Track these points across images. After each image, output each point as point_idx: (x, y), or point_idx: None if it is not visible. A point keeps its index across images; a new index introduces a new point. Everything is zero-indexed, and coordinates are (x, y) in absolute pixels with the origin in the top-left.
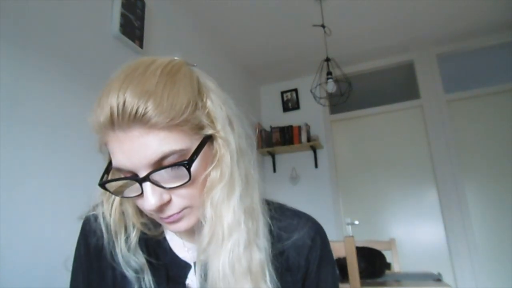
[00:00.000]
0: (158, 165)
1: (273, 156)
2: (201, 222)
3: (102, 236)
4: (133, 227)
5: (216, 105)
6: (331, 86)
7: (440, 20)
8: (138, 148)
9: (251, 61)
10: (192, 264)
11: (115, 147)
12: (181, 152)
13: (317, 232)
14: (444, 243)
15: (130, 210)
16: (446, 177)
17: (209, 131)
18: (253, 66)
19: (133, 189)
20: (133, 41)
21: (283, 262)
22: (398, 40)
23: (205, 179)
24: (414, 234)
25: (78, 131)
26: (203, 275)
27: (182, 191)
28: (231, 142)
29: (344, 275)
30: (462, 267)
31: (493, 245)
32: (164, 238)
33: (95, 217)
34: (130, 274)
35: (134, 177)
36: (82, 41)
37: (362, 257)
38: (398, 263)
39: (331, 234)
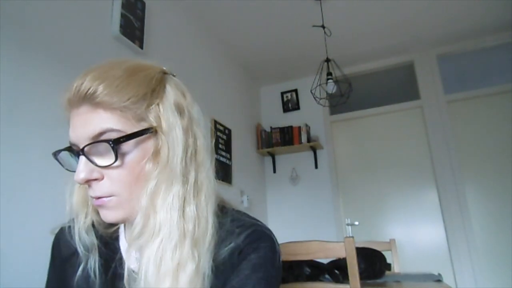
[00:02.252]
0: (94, 141)
1: (273, 156)
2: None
3: (70, 246)
4: (86, 215)
5: (170, 108)
6: (331, 87)
7: (440, 21)
8: (83, 123)
9: (251, 62)
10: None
11: (70, 123)
12: (118, 133)
13: (256, 239)
14: (444, 244)
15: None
16: (446, 177)
17: (152, 125)
18: (253, 66)
19: (73, 166)
20: (133, 41)
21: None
22: (398, 40)
23: (142, 172)
24: (414, 234)
25: None
26: (131, 270)
27: (114, 173)
28: (175, 142)
29: (344, 276)
30: (462, 268)
31: (493, 245)
32: (117, 238)
33: (61, 228)
34: (81, 251)
35: (73, 149)
36: (82, 42)
37: (362, 257)
38: (398, 263)
39: (331, 235)
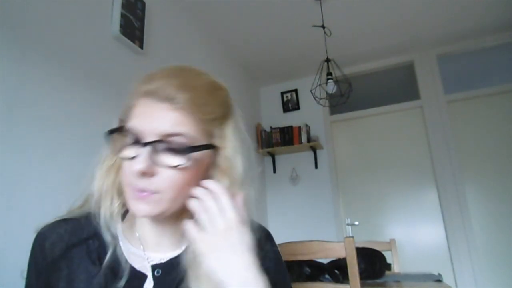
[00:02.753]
0: (164, 140)
1: (273, 156)
2: (171, 227)
3: (59, 245)
4: (118, 198)
5: (234, 131)
6: (331, 87)
7: (440, 21)
8: (161, 117)
9: (251, 62)
10: (149, 273)
11: (140, 111)
12: (189, 139)
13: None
14: (444, 244)
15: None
16: (446, 177)
17: (217, 143)
18: (253, 66)
19: (131, 152)
20: (133, 41)
21: None
22: (398, 40)
23: (193, 181)
24: (414, 234)
25: (78, 131)
26: (160, 274)
27: (168, 173)
28: (236, 163)
29: (344, 276)
30: (462, 268)
31: (493, 245)
32: (119, 249)
33: (51, 226)
34: (107, 238)
35: (138, 140)
36: (82, 42)
37: (362, 257)
38: (398, 263)
39: (331, 235)
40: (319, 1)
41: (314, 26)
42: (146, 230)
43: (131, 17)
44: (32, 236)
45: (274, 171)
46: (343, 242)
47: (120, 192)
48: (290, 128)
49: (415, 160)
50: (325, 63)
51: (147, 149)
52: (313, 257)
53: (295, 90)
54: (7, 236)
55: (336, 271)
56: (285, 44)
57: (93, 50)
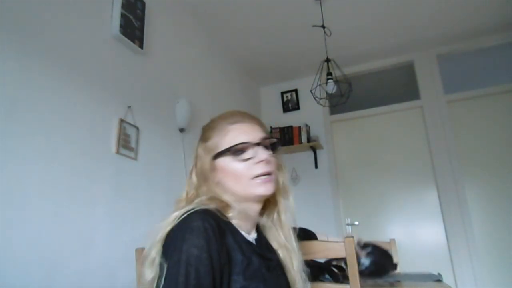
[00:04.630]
0: (267, 137)
1: None
2: (255, 212)
3: (215, 222)
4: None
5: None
6: (331, 87)
7: (440, 21)
8: (256, 130)
9: (251, 62)
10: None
11: (240, 132)
12: (270, 137)
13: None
14: (444, 244)
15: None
16: (446, 177)
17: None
18: (253, 66)
19: (246, 155)
20: (133, 41)
21: None
22: (398, 40)
23: (280, 165)
24: (414, 234)
25: (78, 131)
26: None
27: (273, 159)
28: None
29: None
30: (462, 268)
31: (493, 245)
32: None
33: (204, 210)
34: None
35: (252, 143)
36: (82, 42)
37: (369, 256)
38: (398, 263)
39: (331, 235)
40: (319, 1)
41: (314, 26)
42: (243, 217)
43: (131, 17)
44: (32, 235)
45: None
46: (343, 242)
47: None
48: (290, 128)
49: (415, 160)
50: (325, 63)
51: (260, 147)
52: (313, 257)
53: (295, 90)
54: (7, 236)
55: (335, 269)
56: (285, 44)
57: (93, 49)
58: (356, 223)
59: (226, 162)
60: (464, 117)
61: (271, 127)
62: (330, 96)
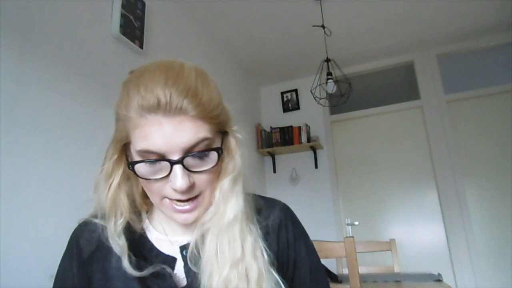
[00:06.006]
0: (189, 151)
1: (273, 156)
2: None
3: (92, 239)
4: (121, 215)
5: (230, 110)
6: (331, 87)
7: (440, 21)
8: (178, 133)
9: (251, 62)
10: (179, 254)
11: (152, 130)
12: (210, 140)
13: (287, 213)
14: (444, 244)
15: (124, 201)
16: (446, 177)
17: (227, 128)
18: (253, 66)
19: (158, 172)
20: (133, 41)
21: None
22: (398, 40)
23: (219, 170)
24: (414, 234)
25: (78, 131)
26: (191, 254)
27: (203, 176)
28: (242, 142)
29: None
30: (462, 267)
31: (493, 245)
32: (145, 238)
33: (86, 222)
34: (117, 249)
35: (167, 159)
36: (82, 42)
37: None
38: (398, 263)
39: (331, 235)
40: (319, 1)
41: (314, 26)
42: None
43: (131, 17)
44: (32, 236)
45: (274, 171)
46: (343, 242)
47: (127, 208)
48: (290, 128)
49: (415, 160)
50: (325, 63)
51: (178, 167)
52: None
53: (295, 90)
54: (7, 236)
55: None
56: (285, 44)
57: (93, 50)
58: (356, 223)
59: (134, 166)
60: (464, 117)
61: (271, 127)
62: (330, 96)
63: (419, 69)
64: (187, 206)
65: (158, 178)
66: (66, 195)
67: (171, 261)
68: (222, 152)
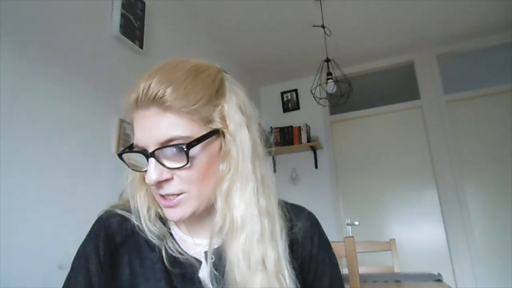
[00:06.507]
0: (165, 145)
1: (273, 156)
2: (210, 215)
3: (123, 230)
4: (152, 206)
5: (233, 107)
6: (331, 87)
7: (440, 21)
8: (151, 126)
9: (251, 62)
10: (203, 259)
11: (136, 124)
12: (187, 138)
13: (313, 222)
14: (444, 244)
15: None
16: (446, 177)
17: (218, 126)
18: (253, 66)
19: (145, 166)
20: (133, 41)
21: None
22: (398, 40)
23: (214, 173)
24: (414, 234)
25: (78, 130)
26: (214, 260)
27: (182, 173)
28: (243, 142)
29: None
30: (462, 267)
31: (493, 245)
32: (172, 240)
33: (113, 213)
34: (156, 241)
35: (142, 151)
36: (82, 42)
37: None
38: (398, 263)
39: (331, 235)
40: (319, 1)
41: (314, 26)
42: (194, 221)
43: (131, 17)
44: (32, 235)
45: (274, 171)
46: (343, 242)
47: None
48: (290, 128)
49: (415, 160)
50: (325, 63)
51: (152, 160)
52: None
53: (295, 90)
54: (7, 236)
55: None
56: (285, 44)
57: (93, 50)
58: (356, 223)
59: (122, 156)
60: (464, 117)
61: (271, 127)
62: (330, 96)
63: (419, 69)
64: (168, 202)
65: (143, 170)
66: (67, 193)
67: (197, 263)
68: (187, 148)
